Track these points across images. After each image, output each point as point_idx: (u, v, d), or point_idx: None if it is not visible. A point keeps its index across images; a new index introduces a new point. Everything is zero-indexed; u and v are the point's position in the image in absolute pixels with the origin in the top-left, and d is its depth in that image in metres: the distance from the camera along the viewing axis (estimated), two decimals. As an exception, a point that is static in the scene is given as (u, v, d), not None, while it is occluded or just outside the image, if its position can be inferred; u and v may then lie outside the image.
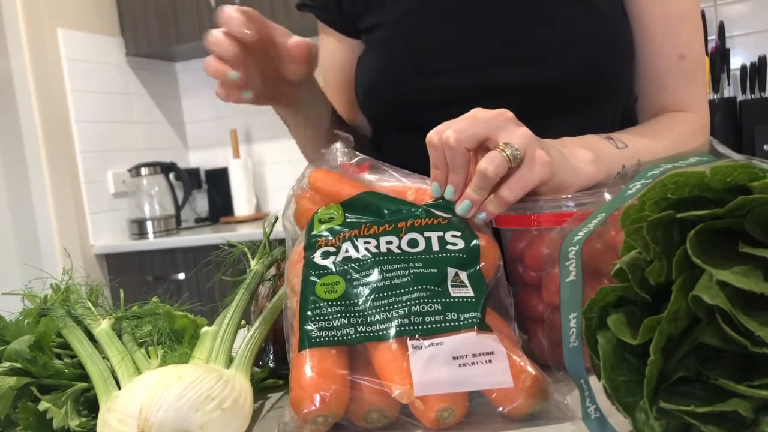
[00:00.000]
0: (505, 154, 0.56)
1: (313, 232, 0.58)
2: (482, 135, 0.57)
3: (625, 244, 0.44)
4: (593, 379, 0.43)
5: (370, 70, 0.91)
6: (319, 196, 0.62)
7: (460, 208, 0.57)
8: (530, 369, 0.49)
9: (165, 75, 3.26)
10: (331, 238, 0.57)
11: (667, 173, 0.40)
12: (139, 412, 0.46)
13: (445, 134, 0.58)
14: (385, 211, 0.59)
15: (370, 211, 0.59)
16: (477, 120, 0.58)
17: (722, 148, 0.46)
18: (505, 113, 0.58)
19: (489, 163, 0.55)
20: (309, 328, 0.51)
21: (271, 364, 0.65)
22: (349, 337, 0.50)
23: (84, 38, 2.79)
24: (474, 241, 0.56)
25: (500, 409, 0.49)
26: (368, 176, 0.63)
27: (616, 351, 0.41)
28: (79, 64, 2.76)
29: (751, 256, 0.36)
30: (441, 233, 0.56)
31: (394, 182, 0.63)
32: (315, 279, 0.54)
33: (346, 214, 0.59)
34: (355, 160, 0.65)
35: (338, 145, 0.66)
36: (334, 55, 0.99)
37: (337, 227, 0.58)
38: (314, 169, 0.64)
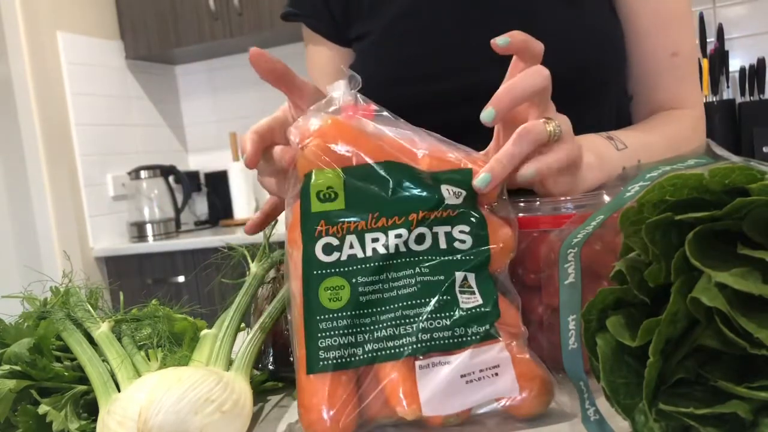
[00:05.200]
0: (549, 128, 0.55)
1: (312, 211, 0.52)
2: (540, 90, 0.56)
3: (624, 246, 0.44)
4: (592, 382, 0.43)
5: (363, 77, 0.91)
6: (324, 155, 0.53)
7: (479, 180, 0.52)
8: (536, 370, 0.49)
9: (164, 78, 3.26)
10: (332, 225, 0.52)
11: (666, 175, 0.40)
12: (138, 415, 0.46)
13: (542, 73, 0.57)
14: (390, 185, 0.52)
15: (374, 180, 0.53)
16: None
17: (720, 150, 0.46)
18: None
19: (530, 131, 0.54)
20: (316, 347, 0.49)
21: (271, 367, 0.65)
22: (357, 358, 0.49)
23: (84, 41, 2.80)
24: (482, 236, 0.52)
25: (504, 404, 0.49)
26: (381, 127, 0.56)
27: (615, 353, 0.41)
28: (79, 67, 2.77)
29: (749, 257, 0.36)
30: (449, 228, 0.52)
31: (406, 136, 0.56)
32: (317, 280, 0.51)
33: (346, 182, 0.52)
34: (361, 104, 0.57)
35: (342, 83, 0.57)
36: (325, 65, 0.97)
37: (340, 213, 0.52)
38: (330, 118, 0.55)
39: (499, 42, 0.56)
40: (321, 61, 0.98)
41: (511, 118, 0.58)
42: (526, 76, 0.56)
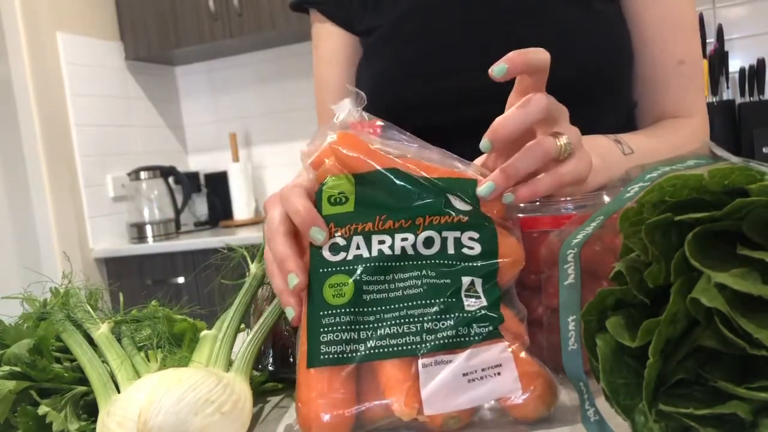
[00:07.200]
0: (560, 143, 0.54)
1: (323, 214, 0.54)
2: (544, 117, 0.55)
3: (624, 246, 0.44)
4: (592, 382, 0.43)
5: (370, 75, 0.91)
6: (340, 166, 0.56)
7: (482, 189, 0.53)
8: (539, 371, 0.49)
9: (164, 79, 3.26)
10: (341, 227, 0.53)
11: (665, 176, 0.40)
12: (138, 416, 0.46)
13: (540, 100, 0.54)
14: (398, 190, 0.54)
15: (382, 185, 0.54)
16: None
17: (720, 151, 0.46)
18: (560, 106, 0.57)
19: (539, 146, 0.53)
20: (318, 342, 0.50)
21: (271, 368, 0.65)
22: (358, 354, 0.49)
23: (83, 42, 2.80)
24: (492, 246, 0.53)
25: (507, 403, 0.48)
26: (387, 143, 0.57)
27: (615, 353, 0.41)
28: (79, 68, 2.77)
29: (749, 258, 0.36)
30: (458, 234, 0.53)
31: (414, 151, 0.57)
32: (323, 278, 0.52)
33: (358, 190, 0.54)
34: (366, 121, 0.59)
35: (347, 101, 0.59)
36: (337, 53, 0.97)
37: (349, 215, 0.53)
38: (340, 131, 0.57)
39: (495, 72, 0.54)
40: (329, 50, 0.97)
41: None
42: (524, 108, 0.54)
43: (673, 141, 0.82)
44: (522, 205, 0.57)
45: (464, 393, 0.48)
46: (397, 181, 0.54)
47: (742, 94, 2.31)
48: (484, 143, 0.54)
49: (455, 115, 0.85)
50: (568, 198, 0.58)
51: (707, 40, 2.34)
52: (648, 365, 0.38)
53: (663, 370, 0.39)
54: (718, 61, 2.28)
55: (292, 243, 0.54)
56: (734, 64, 2.38)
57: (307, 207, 0.53)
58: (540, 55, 0.55)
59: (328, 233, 0.53)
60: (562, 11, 0.83)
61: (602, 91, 0.85)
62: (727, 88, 2.35)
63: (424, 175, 0.54)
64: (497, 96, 0.63)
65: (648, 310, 0.41)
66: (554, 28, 0.83)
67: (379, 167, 0.54)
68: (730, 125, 2.28)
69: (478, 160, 0.62)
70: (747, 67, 2.30)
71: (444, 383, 0.48)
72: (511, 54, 0.54)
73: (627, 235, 0.42)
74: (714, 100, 2.30)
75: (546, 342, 0.56)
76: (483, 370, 0.48)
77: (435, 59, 0.86)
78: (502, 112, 0.61)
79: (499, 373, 0.48)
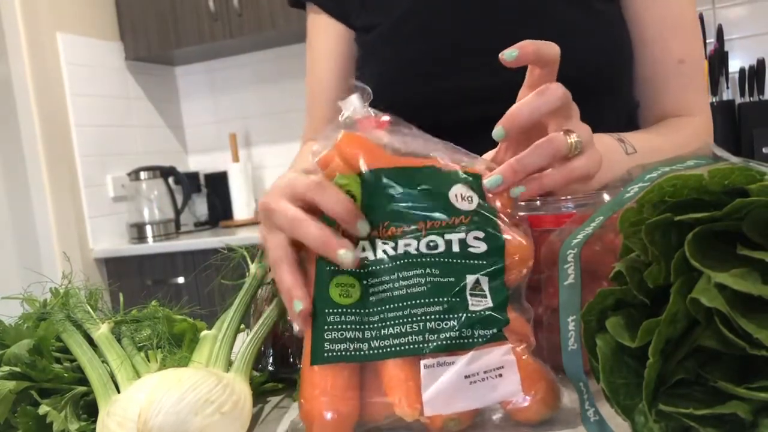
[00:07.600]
0: (570, 141, 0.53)
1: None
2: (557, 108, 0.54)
3: (624, 246, 0.44)
4: (592, 382, 0.43)
5: (370, 75, 0.91)
6: (345, 164, 0.56)
7: (489, 181, 0.53)
8: (542, 374, 0.49)
9: (164, 79, 3.26)
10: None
11: (665, 176, 0.40)
12: (138, 416, 0.47)
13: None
14: (401, 195, 0.54)
15: (385, 190, 0.54)
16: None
17: (720, 151, 0.46)
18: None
19: (550, 143, 0.53)
20: (322, 339, 0.50)
21: (271, 368, 0.65)
22: (362, 352, 0.49)
23: (83, 42, 2.80)
24: (498, 243, 0.52)
25: (509, 406, 0.48)
26: (393, 139, 0.57)
27: (615, 354, 0.41)
28: (79, 68, 2.77)
29: (749, 258, 0.36)
30: (463, 235, 0.52)
31: (420, 146, 0.57)
32: (329, 276, 0.52)
33: (363, 190, 0.54)
34: (373, 116, 0.58)
35: (354, 97, 0.59)
36: (331, 45, 0.97)
37: None
38: (346, 132, 0.57)
39: (506, 56, 0.54)
40: (324, 43, 0.97)
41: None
42: (540, 96, 0.54)
43: (675, 140, 0.82)
44: (522, 203, 0.57)
45: (466, 395, 0.48)
46: (400, 182, 0.54)
47: (742, 94, 2.32)
48: (497, 131, 0.54)
49: (455, 115, 0.85)
50: (569, 197, 0.57)
51: (707, 40, 2.34)
52: (648, 365, 0.38)
53: (663, 370, 0.39)
54: (718, 61, 2.28)
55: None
56: (734, 64, 2.38)
57: (348, 199, 0.52)
58: (551, 49, 0.55)
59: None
60: (562, 11, 0.83)
61: (602, 91, 0.85)
62: (727, 88, 2.35)
63: (430, 171, 0.54)
64: (497, 96, 0.63)
65: (648, 310, 0.41)
66: (554, 28, 0.83)
67: (382, 168, 0.54)
68: (730, 125, 2.28)
69: (487, 155, 0.62)
70: (747, 67, 2.30)
71: (446, 385, 0.48)
72: (523, 42, 0.54)
73: (627, 235, 0.42)
74: (714, 100, 2.30)
75: (546, 342, 0.56)
76: (485, 372, 0.48)
77: (435, 59, 0.86)
78: (503, 112, 0.61)
79: (501, 375, 0.48)
